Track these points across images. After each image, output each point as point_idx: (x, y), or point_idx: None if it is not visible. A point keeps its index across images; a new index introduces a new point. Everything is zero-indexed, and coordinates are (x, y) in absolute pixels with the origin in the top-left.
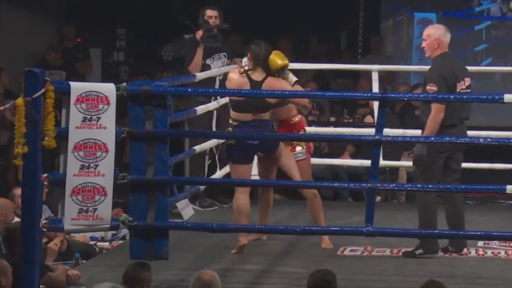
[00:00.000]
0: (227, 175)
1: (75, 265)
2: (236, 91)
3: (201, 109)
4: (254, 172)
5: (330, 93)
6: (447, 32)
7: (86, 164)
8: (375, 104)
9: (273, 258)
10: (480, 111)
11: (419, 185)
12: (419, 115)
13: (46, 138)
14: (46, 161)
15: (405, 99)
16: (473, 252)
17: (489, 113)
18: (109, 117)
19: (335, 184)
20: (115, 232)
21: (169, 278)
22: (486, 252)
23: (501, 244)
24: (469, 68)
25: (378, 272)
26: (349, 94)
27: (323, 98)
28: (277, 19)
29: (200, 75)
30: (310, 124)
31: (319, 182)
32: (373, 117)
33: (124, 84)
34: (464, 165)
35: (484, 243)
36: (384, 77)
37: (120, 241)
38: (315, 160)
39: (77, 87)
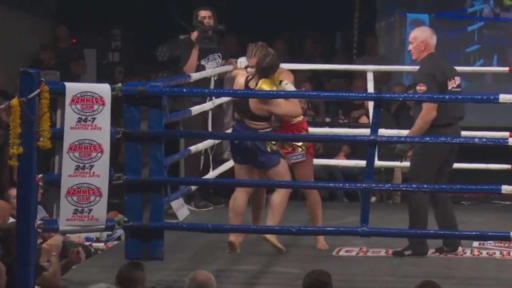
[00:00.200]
0: (220, 176)
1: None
2: (231, 91)
3: (196, 109)
4: None
5: (325, 93)
6: (433, 34)
7: (81, 165)
8: (370, 105)
9: (269, 259)
10: (474, 111)
11: (414, 186)
12: (413, 115)
13: (41, 139)
14: (41, 161)
15: (400, 99)
16: (468, 253)
17: (482, 114)
18: (104, 118)
19: (330, 184)
20: (110, 232)
21: (164, 278)
22: (481, 253)
23: (496, 244)
24: (462, 68)
25: (373, 272)
26: (344, 94)
27: (318, 99)
28: (272, 20)
29: (195, 76)
30: None
31: (314, 182)
32: (368, 117)
33: (119, 84)
34: (459, 165)
35: (479, 244)
36: (379, 77)
37: (115, 242)
38: None
39: (72, 88)
